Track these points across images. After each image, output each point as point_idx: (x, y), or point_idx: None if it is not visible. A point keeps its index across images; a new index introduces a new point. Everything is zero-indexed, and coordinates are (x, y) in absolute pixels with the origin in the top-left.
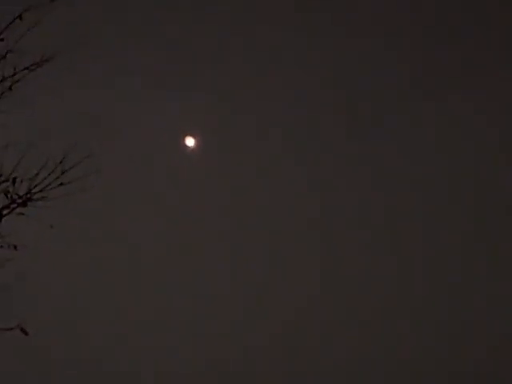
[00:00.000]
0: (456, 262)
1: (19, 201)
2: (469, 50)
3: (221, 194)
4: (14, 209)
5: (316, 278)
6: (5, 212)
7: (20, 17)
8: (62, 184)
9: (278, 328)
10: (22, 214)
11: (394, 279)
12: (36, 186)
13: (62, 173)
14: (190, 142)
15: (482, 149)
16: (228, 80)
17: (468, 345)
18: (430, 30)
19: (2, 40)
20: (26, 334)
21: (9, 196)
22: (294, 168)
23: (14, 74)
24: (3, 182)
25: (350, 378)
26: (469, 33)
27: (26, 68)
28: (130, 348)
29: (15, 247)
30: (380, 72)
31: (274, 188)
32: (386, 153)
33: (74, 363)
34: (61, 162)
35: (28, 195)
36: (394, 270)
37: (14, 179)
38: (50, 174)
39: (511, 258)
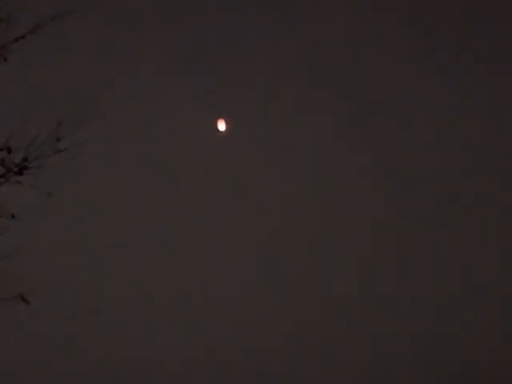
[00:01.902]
0: (456, 262)
1: (15, 169)
2: (469, 50)
3: (220, 194)
4: (9, 177)
5: (317, 277)
6: (1, 181)
7: None
8: (58, 151)
9: (278, 328)
10: (19, 182)
11: (394, 279)
12: (32, 154)
13: (58, 140)
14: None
15: (483, 149)
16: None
17: (468, 345)
18: (429, 29)
19: None
20: (26, 302)
21: (5, 165)
22: (294, 168)
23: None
24: None
25: (350, 378)
26: (470, 33)
27: (20, 37)
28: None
29: (13, 216)
30: (380, 71)
31: (274, 187)
32: (386, 153)
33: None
34: (56, 130)
35: (24, 164)
36: (394, 270)
37: (9, 148)
38: (45, 142)
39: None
